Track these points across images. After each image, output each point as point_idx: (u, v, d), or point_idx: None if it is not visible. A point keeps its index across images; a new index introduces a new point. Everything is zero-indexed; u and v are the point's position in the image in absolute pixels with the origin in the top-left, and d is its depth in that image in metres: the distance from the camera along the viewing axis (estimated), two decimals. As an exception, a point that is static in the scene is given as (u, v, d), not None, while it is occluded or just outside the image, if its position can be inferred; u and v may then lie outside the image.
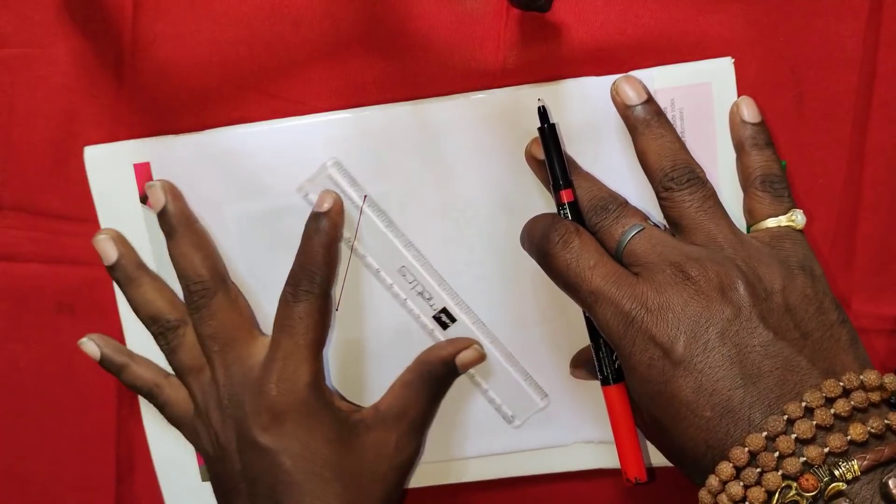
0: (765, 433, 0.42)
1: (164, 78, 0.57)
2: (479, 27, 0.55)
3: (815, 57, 0.55)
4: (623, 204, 0.52)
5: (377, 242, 0.57)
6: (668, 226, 0.52)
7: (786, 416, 0.42)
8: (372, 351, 0.58)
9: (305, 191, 0.56)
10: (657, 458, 0.57)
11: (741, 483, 0.42)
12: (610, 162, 0.55)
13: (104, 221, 0.58)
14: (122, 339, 0.59)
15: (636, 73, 0.54)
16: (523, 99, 0.55)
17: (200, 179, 0.57)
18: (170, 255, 0.56)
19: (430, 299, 0.57)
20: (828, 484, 0.40)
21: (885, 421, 0.42)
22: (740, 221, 0.53)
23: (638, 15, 0.55)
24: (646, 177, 0.53)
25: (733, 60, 0.54)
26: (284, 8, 0.56)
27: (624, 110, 0.53)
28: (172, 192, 0.56)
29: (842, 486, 0.40)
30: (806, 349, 0.45)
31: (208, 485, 0.60)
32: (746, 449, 0.42)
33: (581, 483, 0.60)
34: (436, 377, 0.57)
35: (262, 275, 0.58)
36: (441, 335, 0.58)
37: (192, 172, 0.57)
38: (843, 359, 0.45)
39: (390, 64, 0.56)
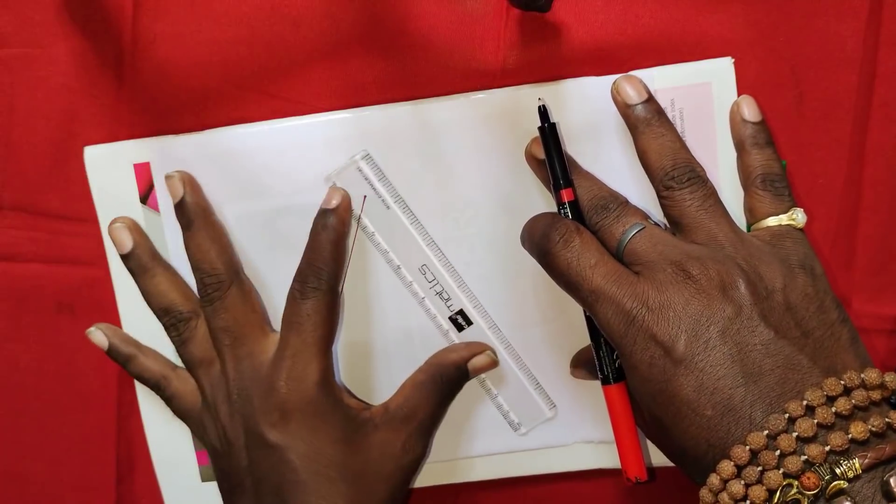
0: (766, 432, 0.42)
1: (164, 78, 0.57)
2: (479, 27, 0.55)
3: (815, 57, 0.55)
4: (623, 203, 0.52)
5: (400, 239, 0.57)
6: (668, 225, 0.52)
7: (787, 415, 0.42)
8: (384, 348, 0.58)
9: (332, 181, 0.56)
10: (657, 458, 0.57)
11: (742, 481, 0.42)
12: (610, 162, 0.55)
13: (104, 221, 0.58)
14: (122, 339, 0.59)
15: (636, 73, 0.54)
16: (523, 99, 0.55)
17: (200, 179, 0.57)
18: (185, 246, 0.56)
19: (448, 300, 0.57)
20: (829, 482, 0.40)
21: (886, 419, 0.42)
22: (741, 221, 0.53)
23: (638, 15, 0.55)
24: (646, 176, 0.53)
25: (733, 60, 0.54)
26: (284, 8, 0.56)
27: (624, 109, 0.53)
28: (191, 183, 0.56)
29: (843, 484, 0.40)
30: (807, 348, 0.45)
31: (208, 485, 0.60)
32: (748, 447, 0.42)
33: (581, 483, 0.60)
34: (447, 380, 0.57)
35: (262, 274, 0.58)
36: (456, 337, 0.58)
37: (192, 172, 0.56)
38: (843, 357, 0.45)
39: (390, 64, 0.56)
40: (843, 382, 0.43)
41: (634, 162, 0.53)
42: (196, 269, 0.56)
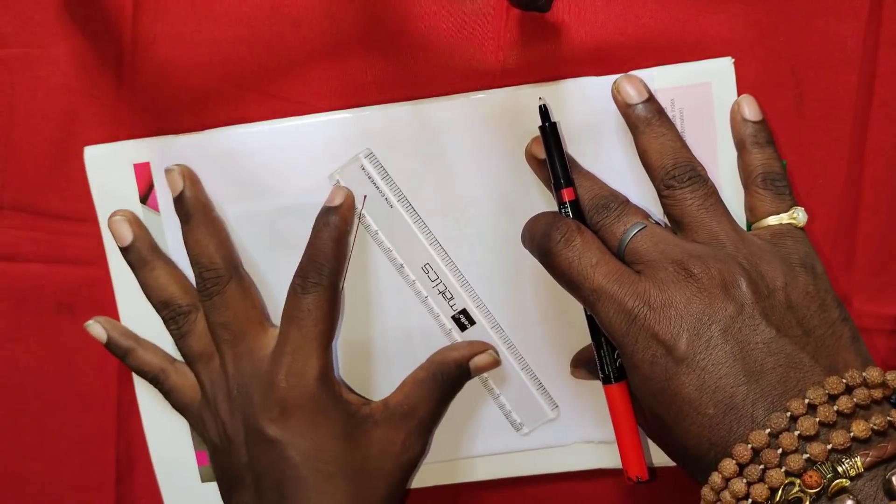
0: (768, 430, 0.42)
1: (164, 78, 0.57)
2: (479, 27, 0.55)
3: (815, 57, 0.55)
4: (624, 202, 0.52)
5: (403, 238, 0.57)
6: (669, 224, 0.52)
7: (789, 413, 0.42)
8: (386, 347, 0.58)
9: (336, 179, 0.56)
10: (658, 458, 0.57)
11: (744, 480, 0.42)
12: (610, 161, 0.55)
13: (104, 221, 0.57)
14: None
15: (636, 73, 0.54)
16: (523, 99, 0.55)
17: (201, 179, 0.57)
18: (184, 240, 0.56)
19: (451, 299, 0.57)
20: (831, 480, 0.40)
21: (888, 418, 0.42)
22: (741, 220, 0.53)
23: (638, 15, 0.55)
24: (646, 176, 0.53)
25: (733, 60, 0.54)
26: (284, 8, 0.56)
27: (625, 109, 0.53)
28: (191, 177, 0.56)
29: (845, 482, 0.40)
30: (808, 346, 0.45)
31: (208, 485, 0.60)
32: (749, 446, 0.42)
33: (582, 483, 0.60)
34: (448, 378, 0.57)
35: (262, 274, 0.58)
36: (458, 336, 0.58)
37: (192, 172, 0.57)
38: (845, 356, 0.45)
39: (390, 64, 0.56)
40: (844, 381, 0.43)
41: (634, 162, 0.54)
42: (195, 263, 0.55)
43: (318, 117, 0.56)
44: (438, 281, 0.57)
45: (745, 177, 0.53)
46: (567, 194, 0.52)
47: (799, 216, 0.50)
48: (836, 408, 0.42)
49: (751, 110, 0.53)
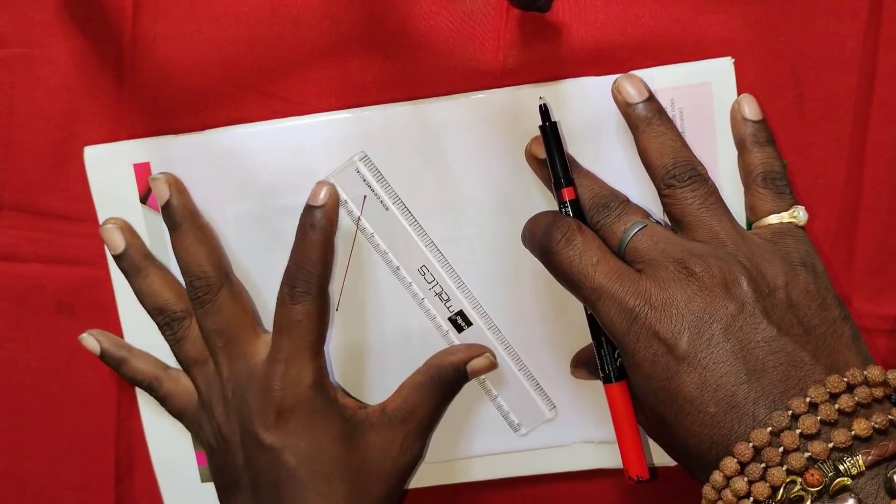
0: (769, 428, 0.42)
1: (164, 78, 0.57)
2: (479, 27, 0.55)
3: (815, 57, 0.55)
4: (625, 202, 0.52)
5: (399, 240, 0.57)
6: (669, 223, 0.53)
7: (790, 412, 0.42)
8: (383, 350, 0.58)
9: (331, 182, 0.56)
10: (659, 458, 0.57)
11: (745, 478, 0.42)
12: (610, 161, 0.55)
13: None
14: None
15: (636, 73, 0.54)
16: (523, 99, 0.55)
17: (200, 179, 0.57)
18: (173, 249, 0.56)
19: (447, 301, 0.57)
20: (832, 479, 0.40)
21: (889, 416, 0.42)
22: (741, 220, 0.53)
23: (638, 15, 0.55)
24: (646, 176, 0.53)
25: (733, 60, 0.55)
26: (284, 8, 0.56)
27: (625, 108, 0.53)
28: (177, 185, 0.56)
29: (847, 481, 0.40)
30: (809, 345, 0.45)
31: (208, 485, 0.60)
32: (751, 444, 0.42)
33: (581, 483, 0.60)
34: (446, 382, 0.57)
35: (261, 274, 0.58)
36: (455, 338, 0.58)
37: (192, 172, 0.57)
38: (846, 355, 0.45)
39: (390, 64, 0.56)
40: (845, 379, 0.43)
41: (635, 161, 0.54)
42: (185, 272, 0.55)
43: (318, 117, 0.56)
44: (435, 283, 0.57)
45: (746, 176, 0.53)
46: (567, 193, 0.52)
47: (799, 215, 0.50)
48: (837, 406, 0.42)
49: (751, 109, 0.53)
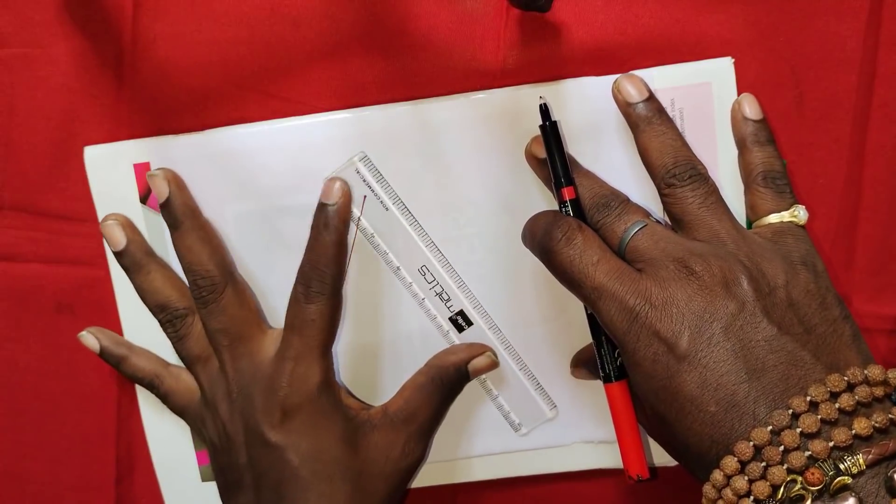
0: (770, 427, 0.42)
1: (164, 78, 0.57)
2: (479, 27, 0.55)
3: (815, 57, 0.55)
4: (625, 201, 0.52)
5: (399, 240, 0.57)
6: (670, 222, 0.53)
7: (791, 411, 0.42)
8: (384, 350, 0.58)
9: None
10: (659, 458, 0.57)
11: (746, 477, 0.42)
12: (610, 161, 0.55)
13: (104, 222, 0.57)
14: (121, 339, 0.59)
15: (636, 73, 0.54)
16: (523, 99, 0.55)
17: (200, 179, 0.57)
18: (175, 247, 0.56)
19: (447, 301, 0.57)
20: (833, 478, 0.40)
21: (889, 415, 0.42)
22: (742, 219, 0.53)
23: (638, 15, 0.55)
24: (647, 176, 0.53)
25: (733, 60, 0.55)
26: (284, 8, 0.56)
27: (625, 108, 0.53)
28: (176, 181, 0.56)
29: (847, 479, 0.40)
30: (810, 344, 0.45)
31: (208, 485, 0.60)
32: (751, 443, 0.42)
33: (582, 483, 0.60)
34: (448, 382, 0.57)
35: (261, 275, 0.58)
36: (456, 338, 0.58)
37: (192, 172, 0.56)
38: (846, 354, 0.45)
39: (390, 64, 0.56)
40: (846, 379, 0.43)
41: (635, 161, 0.54)
42: (188, 271, 0.55)
43: (318, 117, 0.56)
44: (435, 282, 0.57)
45: (746, 175, 0.53)
46: (568, 193, 0.52)
47: (800, 214, 0.50)
48: (837, 405, 0.42)
49: (751, 109, 0.53)
